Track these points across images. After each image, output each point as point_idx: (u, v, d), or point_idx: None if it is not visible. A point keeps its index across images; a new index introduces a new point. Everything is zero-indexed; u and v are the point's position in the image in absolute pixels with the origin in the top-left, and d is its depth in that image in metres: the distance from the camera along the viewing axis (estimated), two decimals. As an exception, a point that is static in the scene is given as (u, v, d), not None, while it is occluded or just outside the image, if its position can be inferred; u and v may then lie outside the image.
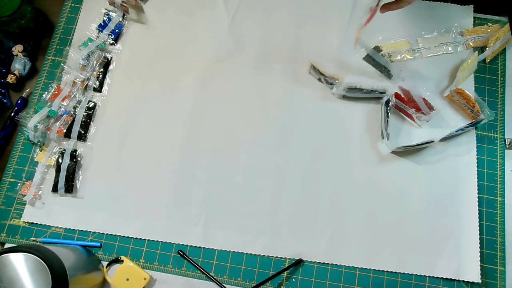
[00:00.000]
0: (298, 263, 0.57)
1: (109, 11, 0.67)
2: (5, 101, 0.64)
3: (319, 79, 0.62)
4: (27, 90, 0.65)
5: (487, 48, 0.64)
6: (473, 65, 0.62)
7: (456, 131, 0.59)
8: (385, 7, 0.54)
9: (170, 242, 0.58)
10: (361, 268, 0.57)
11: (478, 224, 0.58)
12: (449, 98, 0.63)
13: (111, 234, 0.58)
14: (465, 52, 0.65)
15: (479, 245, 0.57)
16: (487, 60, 0.65)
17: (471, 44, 0.65)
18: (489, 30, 0.65)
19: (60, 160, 0.60)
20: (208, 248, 0.58)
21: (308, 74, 0.64)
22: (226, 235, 0.58)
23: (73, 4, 0.69)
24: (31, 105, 0.63)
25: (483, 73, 0.65)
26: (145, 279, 0.55)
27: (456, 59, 0.65)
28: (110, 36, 0.66)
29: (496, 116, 0.63)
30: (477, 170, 0.60)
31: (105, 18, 0.67)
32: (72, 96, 0.63)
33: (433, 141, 0.58)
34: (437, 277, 0.56)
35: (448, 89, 0.62)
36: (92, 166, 0.61)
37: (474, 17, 0.67)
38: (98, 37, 0.65)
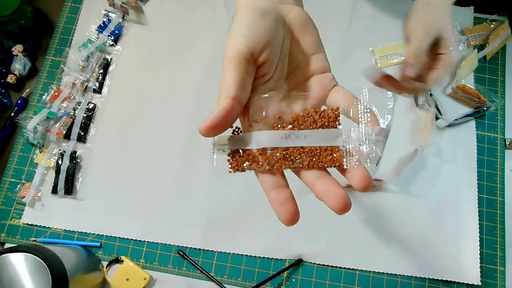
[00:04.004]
0: (298, 263, 0.57)
1: (109, 12, 0.67)
2: (5, 101, 0.64)
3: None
4: (27, 90, 0.65)
5: (487, 45, 0.64)
6: (473, 62, 0.62)
7: (466, 116, 0.60)
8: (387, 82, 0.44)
9: (170, 244, 0.58)
10: (361, 269, 0.57)
11: (478, 224, 0.58)
12: (452, 96, 0.63)
13: (111, 236, 0.58)
14: (466, 51, 0.65)
15: (479, 246, 0.57)
16: (488, 58, 0.65)
17: (471, 42, 0.65)
18: (492, 26, 0.65)
19: (60, 162, 0.60)
20: (208, 250, 0.58)
21: None
22: (225, 237, 0.58)
23: (73, 4, 0.69)
24: (31, 106, 0.63)
25: (483, 73, 0.65)
26: (145, 279, 0.56)
27: (458, 58, 0.64)
28: (110, 37, 0.66)
29: (496, 116, 0.63)
30: (477, 170, 0.60)
31: (104, 19, 0.67)
32: (71, 98, 0.63)
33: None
34: (437, 279, 0.56)
35: (450, 86, 0.62)
36: (91, 167, 0.61)
37: (474, 17, 0.66)
38: (97, 38, 0.65)
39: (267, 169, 0.27)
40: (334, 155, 0.28)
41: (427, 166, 0.60)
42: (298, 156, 0.28)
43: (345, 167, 0.27)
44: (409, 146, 0.59)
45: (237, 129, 0.29)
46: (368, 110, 0.29)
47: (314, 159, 0.28)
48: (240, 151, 0.28)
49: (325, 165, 0.27)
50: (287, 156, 0.28)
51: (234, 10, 0.31)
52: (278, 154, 0.28)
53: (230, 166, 0.28)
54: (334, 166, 0.27)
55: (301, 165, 0.28)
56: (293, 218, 0.27)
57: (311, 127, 0.28)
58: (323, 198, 0.27)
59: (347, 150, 0.28)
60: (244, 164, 0.28)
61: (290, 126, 0.29)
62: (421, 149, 0.58)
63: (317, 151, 0.28)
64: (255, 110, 0.29)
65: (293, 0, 0.33)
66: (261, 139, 0.28)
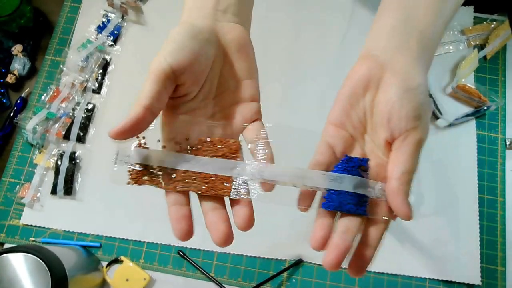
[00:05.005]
0: (298, 263, 0.57)
1: (108, 12, 0.67)
2: (4, 101, 0.64)
3: None
4: (27, 90, 0.65)
5: (487, 45, 0.64)
6: (473, 62, 0.62)
7: (466, 115, 0.60)
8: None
9: (169, 244, 0.58)
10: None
11: (478, 224, 0.58)
12: (452, 95, 0.63)
13: (110, 236, 0.58)
14: (466, 51, 0.65)
15: (479, 246, 0.57)
16: (488, 57, 0.65)
17: (472, 42, 0.65)
18: (492, 26, 0.65)
19: (59, 162, 0.60)
20: (207, 250, 0.58)
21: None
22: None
23: (72, 4, 0.69)
24: (30, 106, 0.63)
25: (484, 72, 0.65)
26: (144, 279, 0.55)
27: (458, 58, 0.64)
28: (109, 37, 0.65)
29: (497, 116, 0.63)
30: (478, 170, 0.60)
31: (104, 20, 0.66)
32: (71, 98, 0.63)
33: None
34: (437, 279, 0.56)
35: (450, 86, 0.62)
36: (91, 168, 0.61)
37: (474, 17, 0.66)
38: (97, 38, 0.65)
39: (163, 187, 0.29)
40: (226, 184, 0.29)
41: (427, 166, 0.60)
42: (195, 180, 0.29)
43: (231, 197, 0.28)
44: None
45: (144, 143, 0.30)
46: (267, 148, 0.30)
47: (207, 185, 0.29)
48: (140, 165, 0.29)
49: (216, 193, 0.29)
50: (185, 178, 0.29)
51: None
52: (175, 175, 0.29)
53: (129, 177, 0.29)
54: (224, 195, 0.29)
55: (195, 189, 0.29)
56: (186, 235, 0.29)
57: (212, 155, 0.29)
58: (209, 229, 0.28)
59: (239, 182, 0.28)
60: (144, 178, 0.29)
61: (194, 150, 0.30)
62: None
63: (212, 178, 0.29)
64: (171, 129, 0.30)
65: (236, 18, 0.32)
66: (163, 158, 0.29)
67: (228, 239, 0.28)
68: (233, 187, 0.28)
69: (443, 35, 0.33)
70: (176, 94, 0.29)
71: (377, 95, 0.30)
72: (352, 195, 0.29)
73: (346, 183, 0.29)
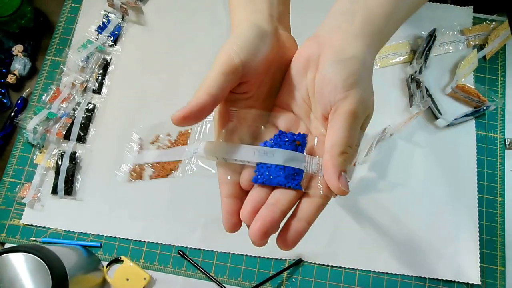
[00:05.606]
0: (298, 263, 0.57)
1: (108, 12, 0.67)
2: (5, 101, 0.64)
3: None
4: (27, 90, 0.65)
5: (487, 45, 0.64)
6: (473, 62, 0.62)
7: (465, 115, 0.60)
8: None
9: (170, 244, 0.58)
10: (361, 269, 0.57)
11: (478, 224, 0.58)
12: (452, 95, 0.63)
13: (111, 236, 0.58)
14: (466, 51, 0.65)
15: (479, 245, 0.57)
16: (487, 57, 0.65)
17: (471, 42, 0.65)
18: (491, 27, 0.65)
19: (60, 162, 0.60)
20: (207, 250, 0.58)
21: None
22: (225, 237, 0.58)
23: (73, 4, 0.69)
24: (30, 106, 0.64)
25: (483, 73, 0.65)
26: (145, 279, 0.56)
27: (457, 58, 0.65)
28: (109, 37, 0.66)
29: (496, 116, 0.63)
30: (477, 170, 0.60)
31: (104, 20, 0.67)
32: (71, 98, 0.63)
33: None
34: (437, 279, 0.56)
35: (449, 86, 0.62)
36: (91, 168, 0.61)
37: (474, 17, 0.67)
38: (97, 38, 0.65)
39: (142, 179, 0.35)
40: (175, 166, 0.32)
41: (427, 166, 0.60)
42: (160, 169, 0.34)
43: (174, 176, 0.31)
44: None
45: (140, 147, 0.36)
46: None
47: (162, 170, 0.33)
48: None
49: (163, 176, 0.33)
50: (158, 168, 0.34)
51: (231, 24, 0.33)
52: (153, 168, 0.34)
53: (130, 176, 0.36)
54: (169, 176, 0.33)
55: (154, 176, 0.34)
56: (233, 229, 0.30)
57: (169, 146, 0.34)
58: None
59: (185, 163, 0.31)
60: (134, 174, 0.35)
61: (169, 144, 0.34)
62: (390, 130, 0.57)
63: (166, 163, 0.33)
64: (226, 121, 0.32)
65: (286, 29, 0.34)
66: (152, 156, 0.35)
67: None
68: (179, 169, 0.31)
69: (404, 14, 0.32)
70: (238, 90, 0.30)
71: (316, 72, 0.30)
72: (282, 169, 0.28)
73: (277, 156, 0.29)
